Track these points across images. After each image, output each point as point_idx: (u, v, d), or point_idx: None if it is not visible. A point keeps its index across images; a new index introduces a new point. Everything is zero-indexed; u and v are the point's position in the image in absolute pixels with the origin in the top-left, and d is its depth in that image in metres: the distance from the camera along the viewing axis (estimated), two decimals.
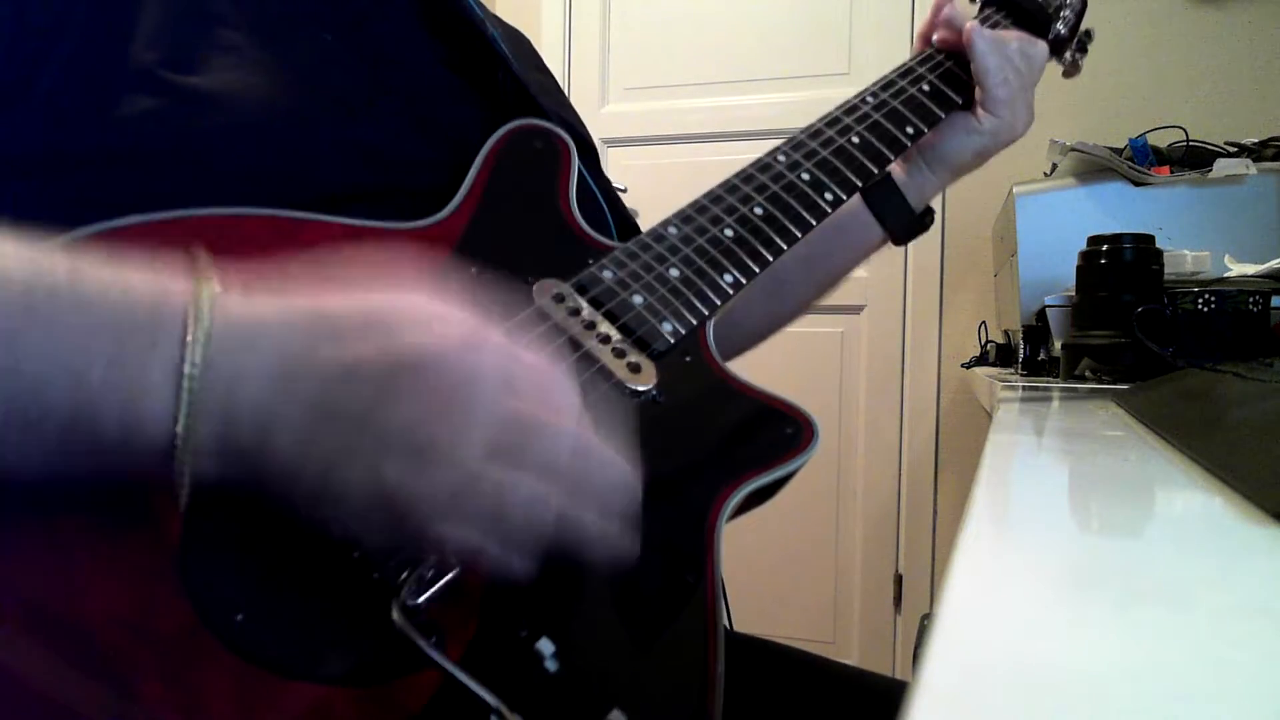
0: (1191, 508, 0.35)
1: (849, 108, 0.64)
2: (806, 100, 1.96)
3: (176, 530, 0.34)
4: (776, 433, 0.46)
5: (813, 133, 0.62)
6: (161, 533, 0.34)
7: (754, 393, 0.49)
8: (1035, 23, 0.72)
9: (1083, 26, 0.76)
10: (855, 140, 0.62)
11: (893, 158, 0.63)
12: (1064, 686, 0.17)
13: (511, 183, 0.53)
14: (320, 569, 0.35)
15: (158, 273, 0.32)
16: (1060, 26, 0.73)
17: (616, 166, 2.03)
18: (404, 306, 0.34)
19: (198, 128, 0.45)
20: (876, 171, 0.62)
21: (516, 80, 0.60)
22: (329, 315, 0.33)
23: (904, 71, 0.67)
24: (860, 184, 0.61)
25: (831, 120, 0.63)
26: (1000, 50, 0.66)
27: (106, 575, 0.33)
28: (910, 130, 0.64)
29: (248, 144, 0.46)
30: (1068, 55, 0.77)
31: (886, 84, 0.66)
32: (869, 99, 0.65)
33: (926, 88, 0.66)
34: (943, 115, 0.66)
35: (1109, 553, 0.28)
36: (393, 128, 0.53)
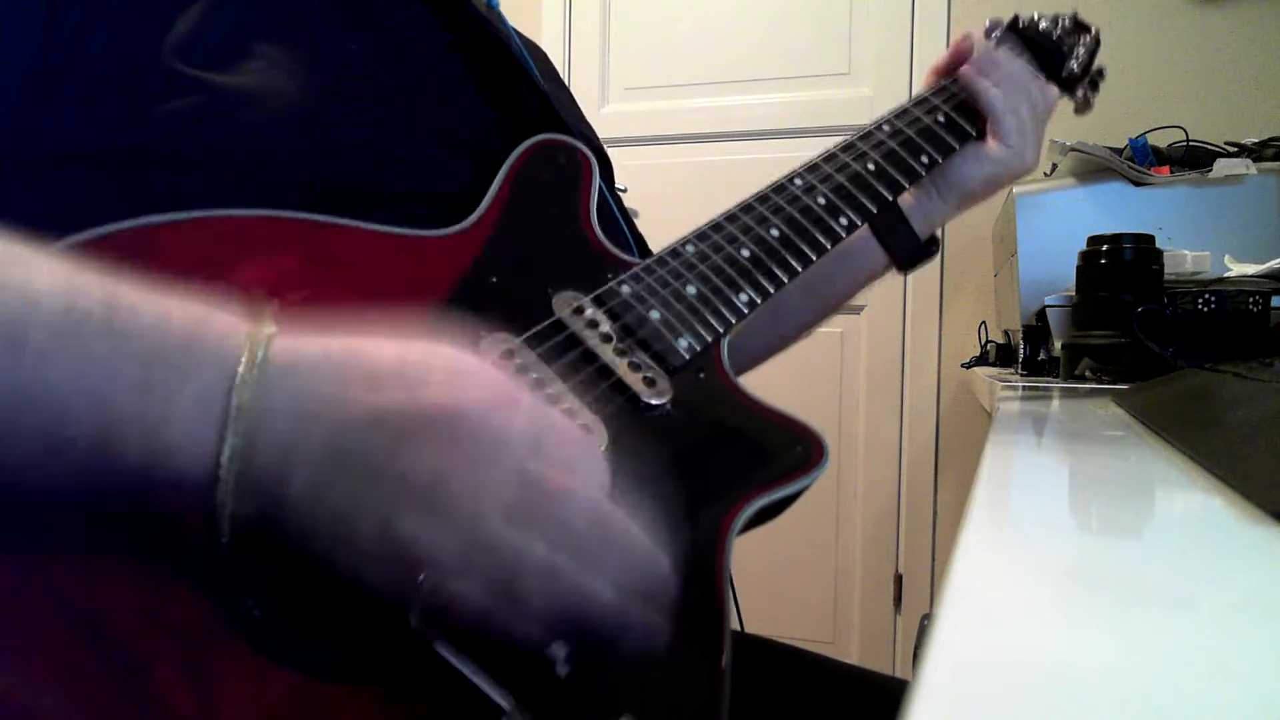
0: (1191, 508, 0.35)
1: (865, 134, 0.65)
2: (806, 100, 1.96)
3: (197, 526, 0.34)
4: (786, 450, 0.47)
5: (828, 157, 0.63)
6: (182, 527, 0.34)
7: (765, 410, 0.49)
8: (1049, 60, 0.74)
9: (1096, 64, 0.77)
10: (871, 167, 0.63)
11: (907, 185, 0.64)
12: (1064, 686, 0.17)
13: (534, 196, 0.54)
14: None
15: (196, 305, 0.32)
16: (1073, 64, 0.74)
17: (616, 166, 2.02)
18: (440, 358, 0.34)
19: (229, 129, 0.45)
20: (891, 198, 0.63)
21: (539, 94, 0.61)
22: (363, 358, 0.33)
23: (919, 101, 0.68)
24: (875, 210, 0.62)
25: (847, 146, 0.64)
26: (1007, 82, 0.67)
27: (127, 567, 0.33)
28: (925, 159, 0.65)
29: (279, 146, 0.46)
30: (1079, 93, 0.77)
31: (901, 113, 0.67)
32: (885, 127, 0.66)
33: (941, 118, 0.67)
34: (956, 146, 0.67)
35: (1109, 553, 0.28)
36: (417, 138, 0.53)
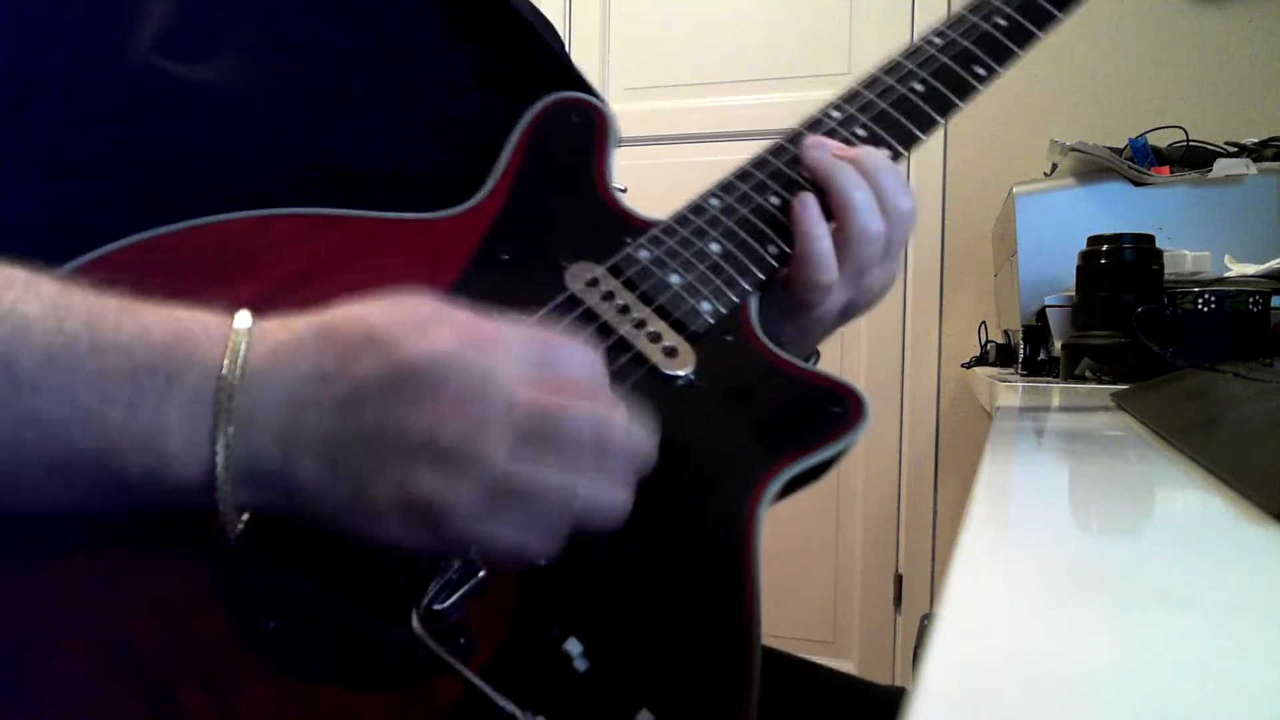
0: (1191, 508, 0.35)
1: (911, 51, 0.57)
2: (806, 100, 1.95)
3: (207, 537, 0.34)
4: (822, 411, 0.44)
5: (869, 82, 0.56)
6: (197, 544, 0.34)
7: (799, 370, 0.46)
8: None
9: None
10: (918, 87, 0.55)
11: (960, 103, 0.55)
12: (1064, 686, 0.17)
13: (547, 161, 0.51)
14: (349, 576, 0.35)
15: (177, 313, 0.33)
16: None
17: (616, 167, 2.02)
18: (401, 315, 0.33)
19: (208, 129, 0.44)
20: (942, 120, 0.55)
21: (552, 55, 0.58)
22: (334, 332, 0.33)
23: (974, 6, 0.58)
24: (923, 136, 0.54)
25: (891, 67, 0.57)
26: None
27: (145, 586, 0.33)
28: (980, 70, 0.56)
29: (258, 141, 0.45)
30: None
31: (954, 22, 0.58)
32: (934, 39, 0.57)
33: (1002, 21, 0.56)
34: (1017, 50, 0.56)
35: (1109, 553, 0.28)
36: (405, 123, 0.52)
